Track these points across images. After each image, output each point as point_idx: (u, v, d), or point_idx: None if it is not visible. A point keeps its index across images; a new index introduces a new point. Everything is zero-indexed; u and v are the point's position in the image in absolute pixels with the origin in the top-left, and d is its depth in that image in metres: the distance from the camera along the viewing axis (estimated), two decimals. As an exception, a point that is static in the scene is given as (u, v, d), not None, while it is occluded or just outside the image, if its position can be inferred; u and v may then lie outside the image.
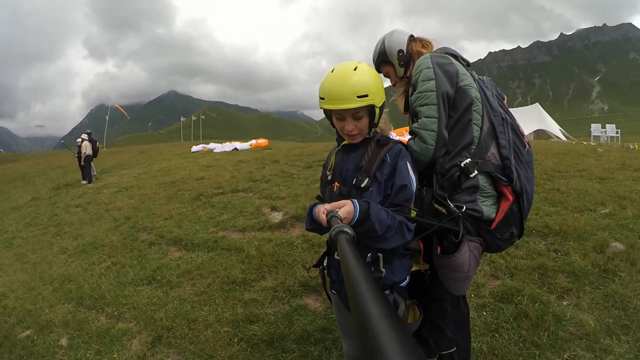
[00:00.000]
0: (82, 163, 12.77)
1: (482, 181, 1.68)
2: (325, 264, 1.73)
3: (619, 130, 21.99)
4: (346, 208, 1.29)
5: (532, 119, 28.27)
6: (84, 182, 12.39)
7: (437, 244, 1.67)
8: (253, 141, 19.58)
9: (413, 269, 1.66)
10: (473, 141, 1.69)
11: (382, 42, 2.01)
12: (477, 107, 1.72)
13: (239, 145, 18.30)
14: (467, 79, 1.76)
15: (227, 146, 18.40)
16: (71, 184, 12.73)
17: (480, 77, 1.88)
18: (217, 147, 18.95)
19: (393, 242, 1.41)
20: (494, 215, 1.69)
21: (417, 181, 1.57)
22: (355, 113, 1.50)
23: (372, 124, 1.57)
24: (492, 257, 3.43)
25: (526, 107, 33.75)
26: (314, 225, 1.51)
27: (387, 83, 2.01)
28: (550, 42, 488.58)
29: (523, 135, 1.81)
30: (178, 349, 2.83)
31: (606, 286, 2.95)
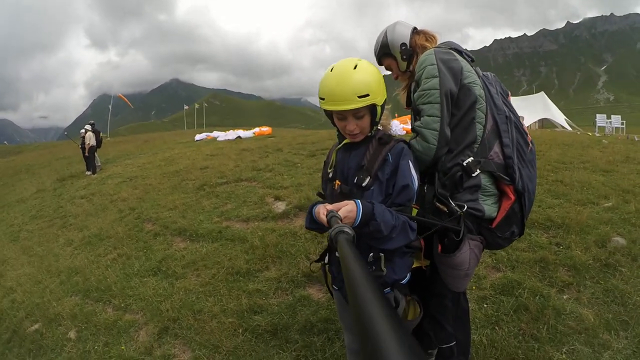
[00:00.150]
0: (86, 154, 12.80)
1: (484, 180, 1.67)
2: (326, 260, 1.74)
3: (625, 121, 21.73)
4: (347, 208, 1.29)
5: (537, 107, 27.98)
6: (89, 172, 12.46)
7: (437, 242, 1.68)
8: (256, 129, 19.46)
9: (414, 265, 1.67)
10: (476, 140, 1.68)
11: (385, 35, 1.96)
12: (481, 105, 1.70)
13: (242, 133, 18.25)
14: (471, 76, 1.73)
15: (231, 134, 18.35)
16: (76, 175, 12.79)
17: (484, 73, 1.86)
18: (221, 135, 18.89)
19: (397, 242, 1.42)
20: (495, 214, 1.69)
21: (418, 179, 1.56)
22: (356, 112, 1.48)
23: (374, 122, 1.55)
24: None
25: (531, 95, 33.35)
26: (313, 224, 1.51)
27: (384, 71, 1.95)
28: (556, 30, 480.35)
29: (526, 133, 1.79)
30: (184, 339, 2.88)
31: (607, 281, 2.96)
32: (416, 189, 1.53)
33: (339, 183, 1.59)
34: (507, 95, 1.88)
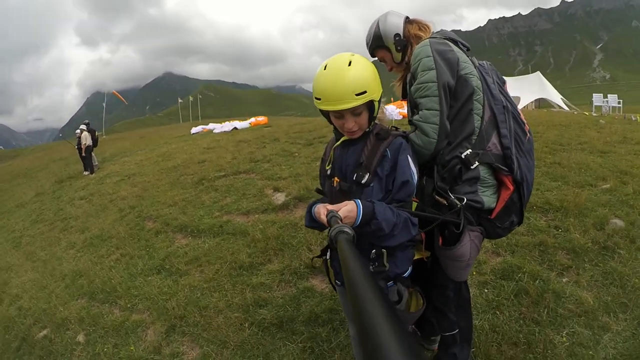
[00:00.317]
0: (83, 154, 12.73)
1: (483, 172, 1.67)
2: (328, 255, 1.74)
3: (622, 100, 21.69)
4: (347, 208, 1.28)
5: (533, 87, 27.90)
6: (86, 173, 12.41)
7: (438, 235, 1.69)
8: (252, 119, 19.41)
9: (415, 257, 1.67)
10: (474, 131, 1.67)
11: (377, 26, 1.90)
12: (478, 97, 1.68)
13: (238, 124, 18.18)
14: (468, 66, 1.70)
15: (227, 126, 18.27)
16: (74, 176, 12.72)
17: (480, 62, 1.83)
18: (217, 127, 18.81)
19: (399, 238, 1.41)
20: (494, 204, 1.69)
21: (418, 173, 1.54)
22: (354, 110, 1.44)
23: (372, 118, 1.52)
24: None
25: (527, 75, 33.21)
26: (313, 223, 1.49)
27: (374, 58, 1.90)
28: (551, 9, 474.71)
29: (524, 123, 1.78)
30: (192, 336, 2.90)
31: (605, 264, 2.99)
32: (416, 183, 1.52)
33: (338, 180, 1.57)
34: (504, 84, 1.86)
